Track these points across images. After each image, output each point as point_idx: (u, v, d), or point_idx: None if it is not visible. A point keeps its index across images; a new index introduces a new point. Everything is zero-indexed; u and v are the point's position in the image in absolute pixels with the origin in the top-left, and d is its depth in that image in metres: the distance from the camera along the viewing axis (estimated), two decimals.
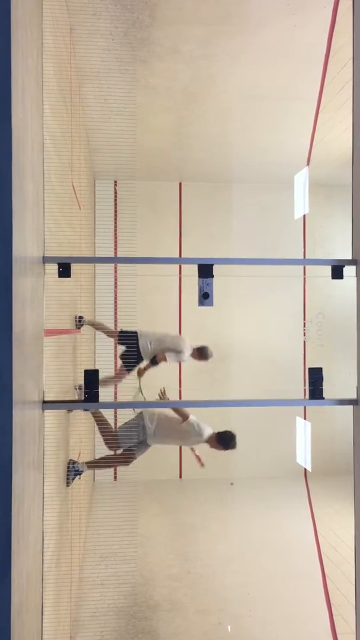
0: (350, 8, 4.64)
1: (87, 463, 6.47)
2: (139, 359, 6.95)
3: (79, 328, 6.91)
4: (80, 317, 7.15)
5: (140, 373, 7.18)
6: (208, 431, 6.72)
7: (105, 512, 8.63)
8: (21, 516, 3.02)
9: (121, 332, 7.08)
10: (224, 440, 6.65)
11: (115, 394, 9.43)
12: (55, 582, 4.81)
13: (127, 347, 6.90)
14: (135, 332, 6.94)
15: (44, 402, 4.00)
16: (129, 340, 6.82)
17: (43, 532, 3.90)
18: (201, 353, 7.22)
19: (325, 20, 6.39)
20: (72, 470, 5.95)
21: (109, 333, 7.51)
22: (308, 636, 6.95)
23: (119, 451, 6.70)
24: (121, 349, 7.26)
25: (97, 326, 7.65)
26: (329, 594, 7.23)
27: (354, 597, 4.41)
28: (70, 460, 6.07)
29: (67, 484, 5.77)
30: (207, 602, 7.27)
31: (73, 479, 6.07)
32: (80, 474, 6.30)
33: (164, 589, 7.48)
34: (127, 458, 6.74)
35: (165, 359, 7.00)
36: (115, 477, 10.53)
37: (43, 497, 3.88)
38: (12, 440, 2.77)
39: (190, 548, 8.58)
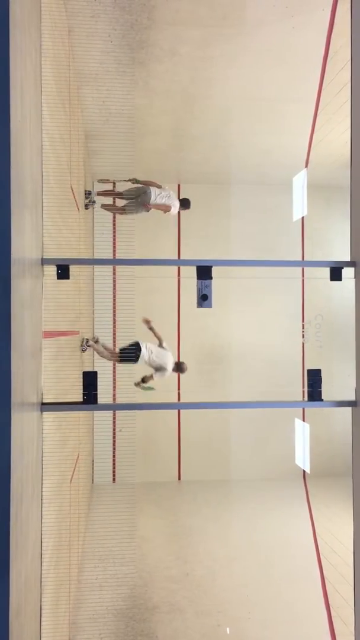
0: (348, 10, 4.65)
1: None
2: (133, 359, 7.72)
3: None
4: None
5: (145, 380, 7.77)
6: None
7: (104, 514, 8.63)
8: (20, 518, 3.02)
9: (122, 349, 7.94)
10: None
11: (114, 395, 9.44)
12: (53, 584, 4.80)
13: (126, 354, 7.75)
14: (137, 344, 7.71)
15: (43, 403, 4.00)
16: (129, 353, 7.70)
17: (42, 534, 3.90)
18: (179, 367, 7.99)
19: (323, 23, 6.40)
20: None
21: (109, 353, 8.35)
22: (307, 638, 6.94)
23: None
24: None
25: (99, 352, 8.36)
26: (327, 596, 7.23)
27: (352, 599, 4.41)
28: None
29: None
30: (206, 604, 7.26)
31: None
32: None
33: (162, 591, 7.47)
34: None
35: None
36: (114, 479, 10.53)
37: (42, 499, 3.87)
38: (10, 442, 2.77)
39: (189, 550, 8.57)
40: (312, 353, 11.04)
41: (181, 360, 8.13)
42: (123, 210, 8.27)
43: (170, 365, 7.73)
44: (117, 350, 7.95)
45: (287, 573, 8.04)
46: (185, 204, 8.26)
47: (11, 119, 2.81)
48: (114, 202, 9.88)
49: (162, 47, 6.78)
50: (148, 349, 7.59)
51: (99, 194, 8.65)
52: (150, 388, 7.67)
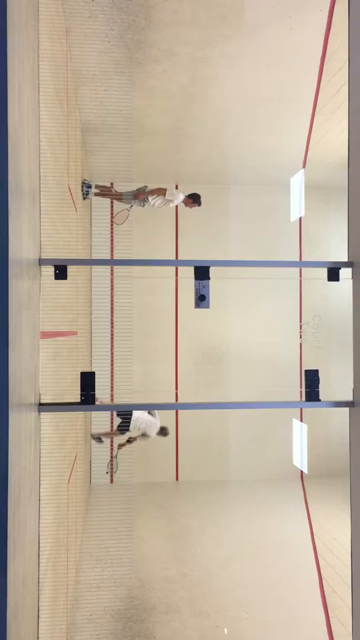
0: (345, 11, 4.66)
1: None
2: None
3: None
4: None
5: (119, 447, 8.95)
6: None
7: (102, 515, 8.62)
8: (17, 519, 3.01)
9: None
10: None
11: (112, 396, 9.43)
12: (51, 585, 4.80)
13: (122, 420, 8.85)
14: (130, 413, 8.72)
15: (40, 404, 3.99)
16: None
17: (39, 535, 3.89)
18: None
19: (321, 23, 6.41)
20: None
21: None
22: (304, 638, 6.94)
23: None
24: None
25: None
26: (325, 597, 7.23)
27: (350, 600, 4.41)
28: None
29: None
30: (204, 605, 7.26)
31: None
32: None
33: (160, 591, 7.47)
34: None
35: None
36: (111, 480, 10.52)
37: (39, 500, 3.87)
38: (8, 442, 2.77)
39: (186, 550, 8.57)
40: (309, 353, 11.05)
41: (165, 425, 9.11)
42: (120, 197, 8.36)
43: (154, 432, 8.79)
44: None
45: (285, 574, 8.04)
46: (195, 198, 8.25)
47: (9, 119, 2.80)
48: (112, 203, 9.94)
49: (159, 47, 6.78)
50: (136, 418, 8.62)
51: (97, 195, 8.74)
52: (116, 465, 9.11)
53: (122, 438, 8.93)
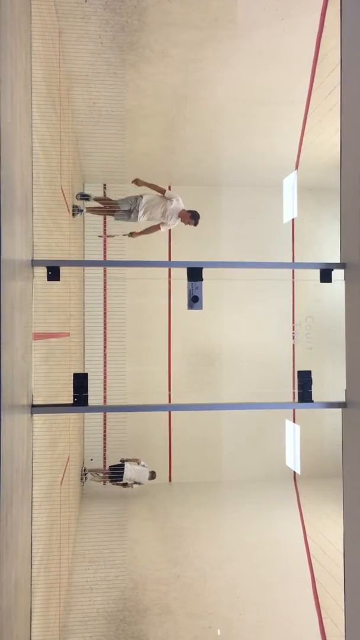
0: (338, 13, 4.68)
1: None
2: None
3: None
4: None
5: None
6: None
7: (95, 516, 8.60)
8: (10, 520, 3.00)
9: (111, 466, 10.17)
10: None
11: (105, 397, 9.42)
12: (44, 587, 4.78)
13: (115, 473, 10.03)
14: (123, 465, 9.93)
15: (33, 405, 3.98)
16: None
17: (32, 537, 3.88)
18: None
19: (313, 26, 6.43)
20: None
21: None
22: (298, 639, 6.95)
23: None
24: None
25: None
26: (318, 597, 7.24)
27: (342, 600, 4.42)
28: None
29: None
30: (197, 606, 7.25)
31: None
32: None
33: (153, 593, 7.46)
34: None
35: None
36: (104, 482, 10.51)
37: (32, 501, 3.86)
38: (0, 444, 2.76)
39: (180, 552, 8.56)
40: (302, 354, 11.07)
41: (153, 470, 10.13)
42: (112, 211, 8.19)
43: (145, 480, 9.92)
44: (107, 468, 10.31)
45: (278, 574, 8.05)
46: (194, 215, 7.99)
47: (1, 121, 2.80)
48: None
49: (152, 48, 6.78)
50: (128, 470, 9.80)
51: (96, 199, 8.59)
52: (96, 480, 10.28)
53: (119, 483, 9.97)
